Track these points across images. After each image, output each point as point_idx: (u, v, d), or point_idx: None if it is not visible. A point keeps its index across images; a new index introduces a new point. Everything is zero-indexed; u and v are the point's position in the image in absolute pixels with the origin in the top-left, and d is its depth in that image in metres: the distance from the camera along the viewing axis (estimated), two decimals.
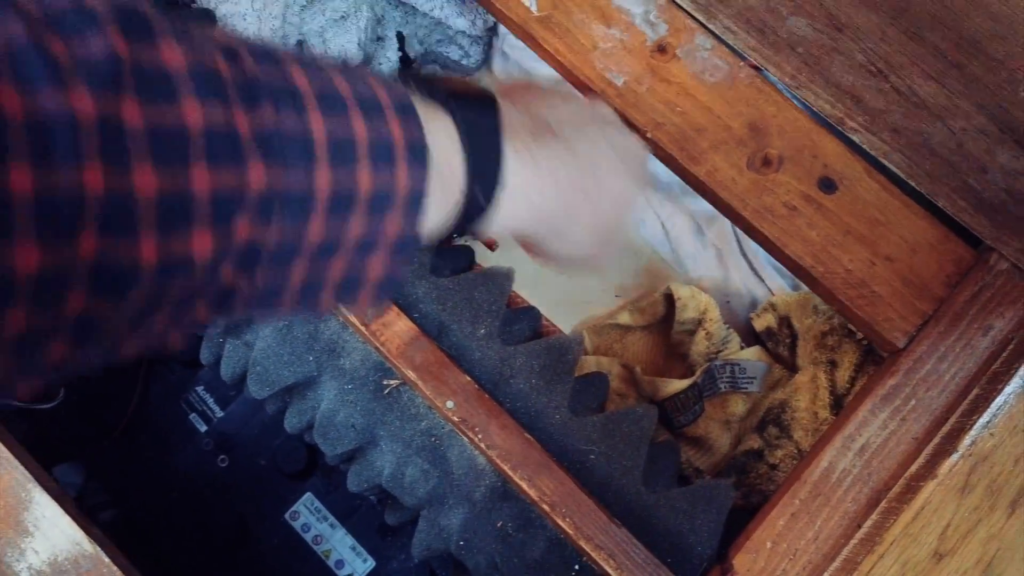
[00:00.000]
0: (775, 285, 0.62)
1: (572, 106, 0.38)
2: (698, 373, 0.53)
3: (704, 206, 0.64)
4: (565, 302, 0.66)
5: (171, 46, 0.23)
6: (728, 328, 0.59)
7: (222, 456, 0.85)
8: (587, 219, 0.37)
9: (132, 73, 0.22)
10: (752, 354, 0.58)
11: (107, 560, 0.41)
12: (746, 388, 0.53)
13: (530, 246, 0.39)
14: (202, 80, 0.23)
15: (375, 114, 0.27)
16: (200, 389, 0.87)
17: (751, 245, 0.63)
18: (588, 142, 0.36)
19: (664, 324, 0.63)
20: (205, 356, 0.56)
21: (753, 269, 0.63)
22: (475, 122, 0.31)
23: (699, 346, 0.58)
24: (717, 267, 0.64)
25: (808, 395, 0.53)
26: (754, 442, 0.53)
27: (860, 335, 0.57)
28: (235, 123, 0.24)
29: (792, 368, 0.58)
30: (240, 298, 0.26)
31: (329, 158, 0.26)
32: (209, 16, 0.55)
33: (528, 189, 0.33)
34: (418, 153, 0.28)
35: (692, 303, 0.59)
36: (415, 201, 0.28)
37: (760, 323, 0.60)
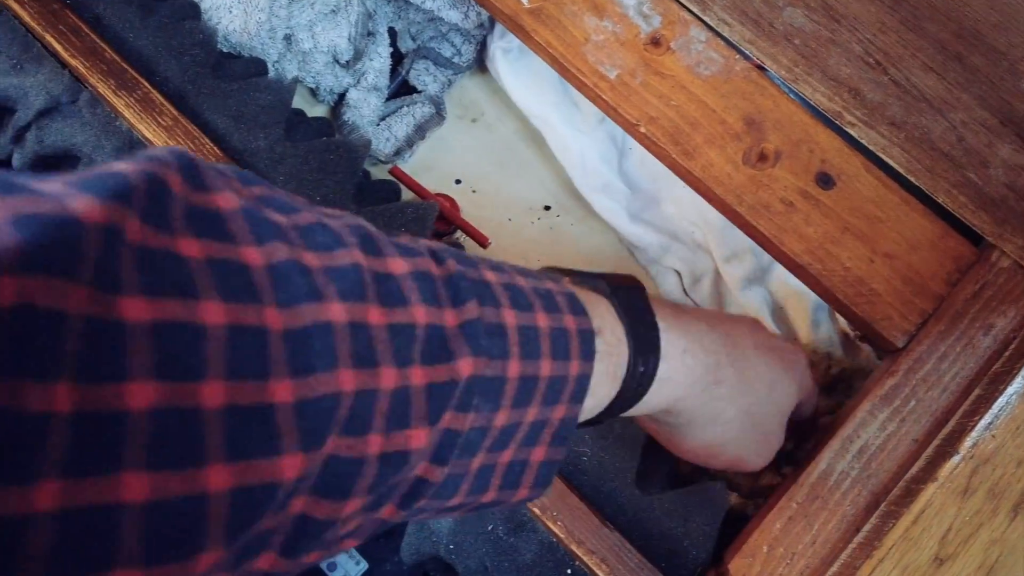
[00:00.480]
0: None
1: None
2: None
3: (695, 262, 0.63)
4: None
5: (395, 256, 0.26)
6: None
7: None
8: (738, 402, 0.37)
9: (373, 281, 0.24)
10: None
11: None
12: None
13: (673, 431, 0.39)
14: (422, 283, 0.26)
15: (553, 307, 0.30)
16: None
17: (744, 301, 0.61)
18: (735, 326, 0.38)
19: None
20: None
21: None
22: (631, 301, 0.33)
23: None
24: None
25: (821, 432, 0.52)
26: (772, 478, 0.52)
27: (864, 363, 0.56)
28: (445, 320, 0.26)
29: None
30: (424, 493, 0.27)
31: (519, 349, 0.28)
32: (193, 9, 0.54)
33: (684, 356, 0.34)
34: (587, 341, 0.30)
35: None
36: (581, 387, 0.30)
37: None
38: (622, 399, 0.33)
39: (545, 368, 0.28)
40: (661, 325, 0.33)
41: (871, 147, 0.48)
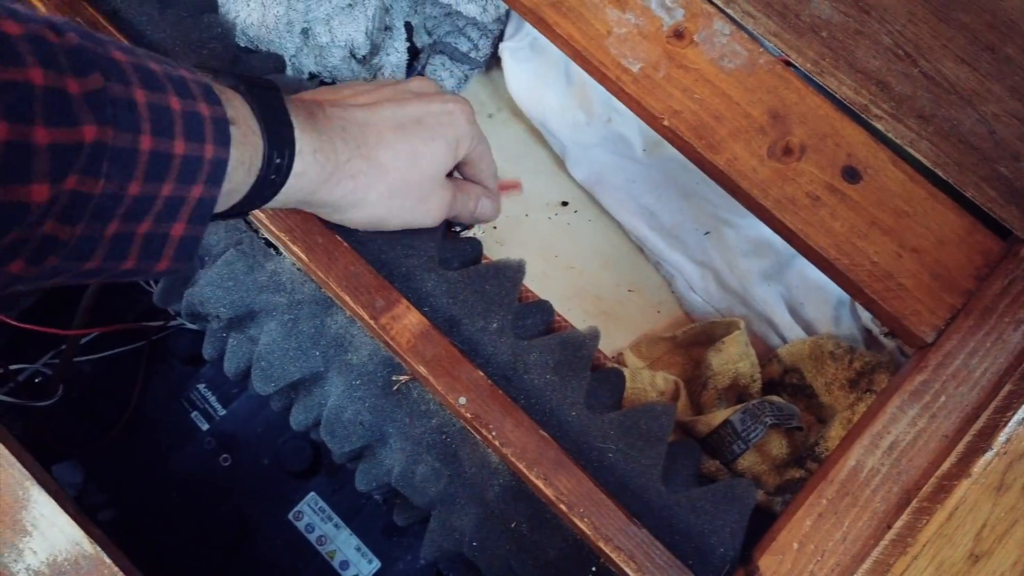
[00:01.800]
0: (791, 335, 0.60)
1: (359, 87, 0.44)
2: (731, 411, 0.52)
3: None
4: (575, 295, 0.64)
5: (8, 19, 0.27)
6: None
7: (224, 455, 0.83)
8: (378, 187, 0.42)
9: None
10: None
11: (108, 561, 0.39)
12: (790, 423, 0.52)
13: (329, 214, 0.44)
14: (38, 47, 0.27)
15: (186, 92, 0.32)
16: (202, 387, 0.86)
17: (760, 297, 0.61)
18: (366, 108, 0.42)
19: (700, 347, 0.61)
20: (208, 352, 0.54)
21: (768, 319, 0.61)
22: (265, 100, 0.36)
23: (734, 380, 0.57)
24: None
25: (842, 427, 0.51)
26: (796, 472, 0.51)
27: (887, 358, 0.55)
28: (68, 87, 0.27)
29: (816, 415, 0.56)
30: (56, 251, 0.29)
31: (151, 125, 0.30)
32: (211, 3, 0.54)
33: (315, 155, 0.38)
34: (222, 127, 0.33)
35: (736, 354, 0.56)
36: (218, 169, 0.33)
37: (764, 374, 0.58)
38: (259, 190, 0.36)
39: (179, 147, 0.31)
40: (296, 124, 0.37)
41: (898, 141, 0.48)
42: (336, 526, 0.79)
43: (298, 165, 0.37)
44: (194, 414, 0.85)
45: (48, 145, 0.26)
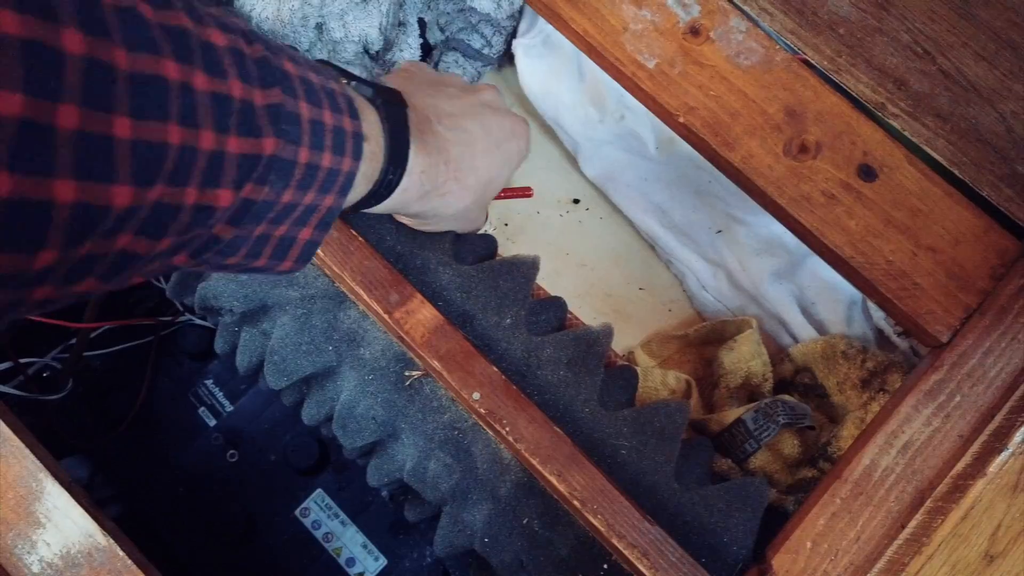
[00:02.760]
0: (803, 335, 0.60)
1: (455, 97, 0.46)
2: (743, 410, 0.51)
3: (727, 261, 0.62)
4: (586, 293, 0.64)
5: (215, 28, 0.28)
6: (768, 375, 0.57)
7: (231, 451, 0.83)
8: (457, 206, 0.44)
9: (199, 48, 0.27)
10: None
11: (121, 554, 0.39)
12: (802, 422, 0.51)
13: (408, 220, 0.47)
14: (238, 59, 0.28)
15: (335, 106, 0.34)
16: (209, 382, 0.86)
17: (772, 296, 0.61)
18: (464, 130, 0.44)
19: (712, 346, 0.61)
20: (220, 346, 0.54)
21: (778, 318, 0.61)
22: (394, 118, 0.38)
23: (746, 379, 0.56)
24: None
25: (855, 427, 0.51)
26: (808, 472, 0.51)
27: (899, 358, 0.55)
28: (255, 99, 0.29)
29: (827, 414, 0.56)
30: (214, 248, 0.31)
31: (309, 138, 0.31)
32: None
33: (421, 176, 0.40)
34: (359, 143, 0.35)
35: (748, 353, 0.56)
36: (349, 181, 0.35)
37: (776, 374, 0.58)
38: (367, 200, 0.38)
39: (326, 160, 0.33)
40: (411, 143, 0.39)
41: (915, 139, 0.47)
42: (343, 523, 0.79)
43: (405, 182, 0.39)
44: (201, 410, 0.85)
45: (238, 154, 0.28)
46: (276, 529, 0.79)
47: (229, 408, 0.85)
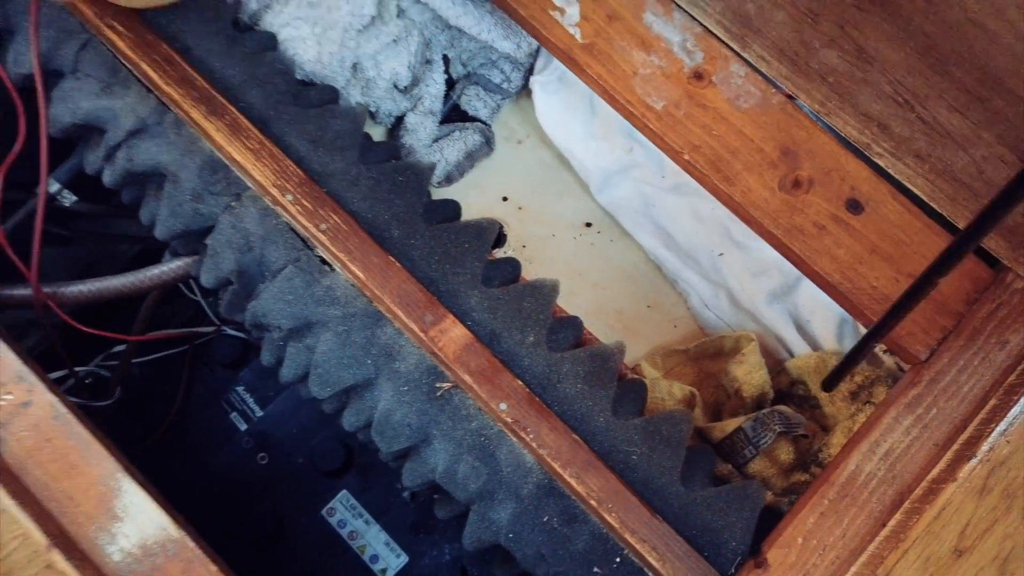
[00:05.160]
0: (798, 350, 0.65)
1: None
2: (743, 419, 0.57)
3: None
4: (599, 310, 0.69)
5: None
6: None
7: (262, 454, 0.88)
8: None
9: None
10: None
11: (192, 545, 0.44)
12: (796, 431, 0.57)
13: None
14: None
15: None
16: (240, 389, 0.91)
17: (769, 314, 0.66)
18: None
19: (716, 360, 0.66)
20: (266, 358, 0.59)
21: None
22: None
23: (745, 389, 0.62)
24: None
25: (844, 435, 0.56)
26: (801, 476, 0.56)
27: (885, 373, 0.60)
28: None
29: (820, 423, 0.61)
30: None
31: None
32: (272, 40, 0.59)
33: None
34: None
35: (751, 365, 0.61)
36: None
37: (774, 385, 0.63)
38: None
39: None
40: None
41: (898, 176, 0.53)
42: (367, 522, 0.84)
43: None
44: (233, 415, 0.90)
45: None
46: (304, 528, 0.84)
47: (259, 413, 0.90)
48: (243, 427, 0.89)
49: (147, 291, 0.64)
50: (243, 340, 0.90)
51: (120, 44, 0.55)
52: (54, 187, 0.68)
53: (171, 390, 0.90)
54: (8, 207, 0.68)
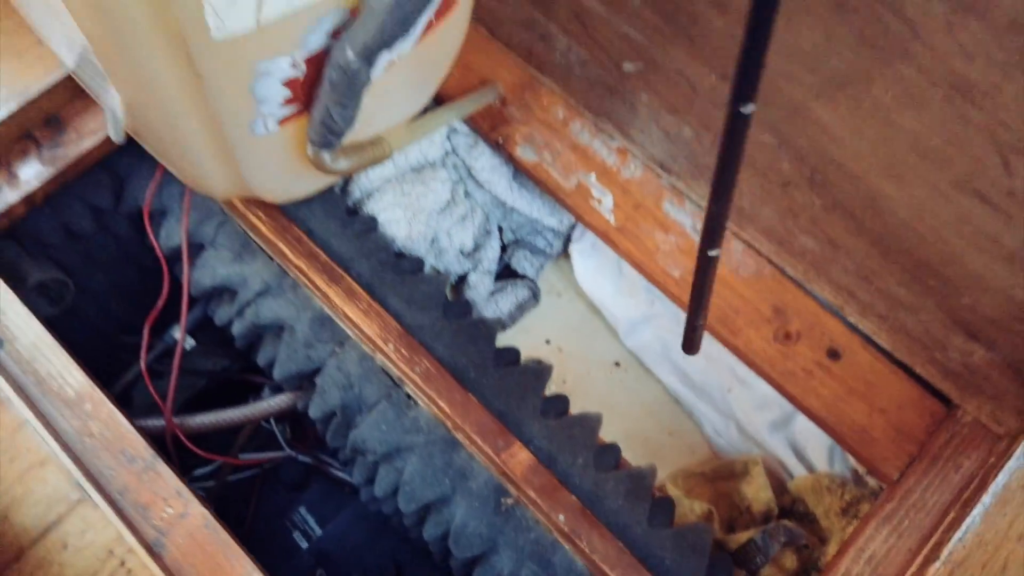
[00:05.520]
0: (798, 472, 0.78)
1: None
2: (754, 532, 0.69)
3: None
4: (628, 437, 0.82)
5: None
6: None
7: (320, 571, 0.98)
8: None
9: None
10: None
11: None
12: (799, 542, 0.68)
13: None
14: None
15: None
16: (303, 510, 1.02)
17: (771, 442, 0.80)
18: None
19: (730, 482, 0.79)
20: (357, 479, 0.72)
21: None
22: None
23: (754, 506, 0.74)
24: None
25: (837, 545, 0.68)
26: None
27: (868, 492, 0.73)
28: None
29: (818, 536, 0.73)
30: None
31: None
32: (374, 222, 0.76)
33: None
34: None
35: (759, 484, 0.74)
36: None
37: (778, 503, 0.75)
38: None
39: None
40: None
41: (866, 332, 0.67)
42: None
43: None
44: (296, 534, 1.00)
45: None
46: None
47: (319, 532, 1.01)
48: (304, 545, 0.99)
49: (257, 421, 0.77)
50: (307, 465, 1.02)
51: (262, 227, 0.71)
52: (176, 333, 0.83)
53: (241, 509, 1.01)
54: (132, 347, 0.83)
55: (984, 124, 0.48)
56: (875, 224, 0.60)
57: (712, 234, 0.46)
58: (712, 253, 0.47)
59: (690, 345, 0.57)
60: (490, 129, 0.77)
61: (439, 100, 0.76)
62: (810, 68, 0.53)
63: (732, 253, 0.72)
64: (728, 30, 0.57)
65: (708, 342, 0.83)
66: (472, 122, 0.79)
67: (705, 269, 0.48)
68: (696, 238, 0.73)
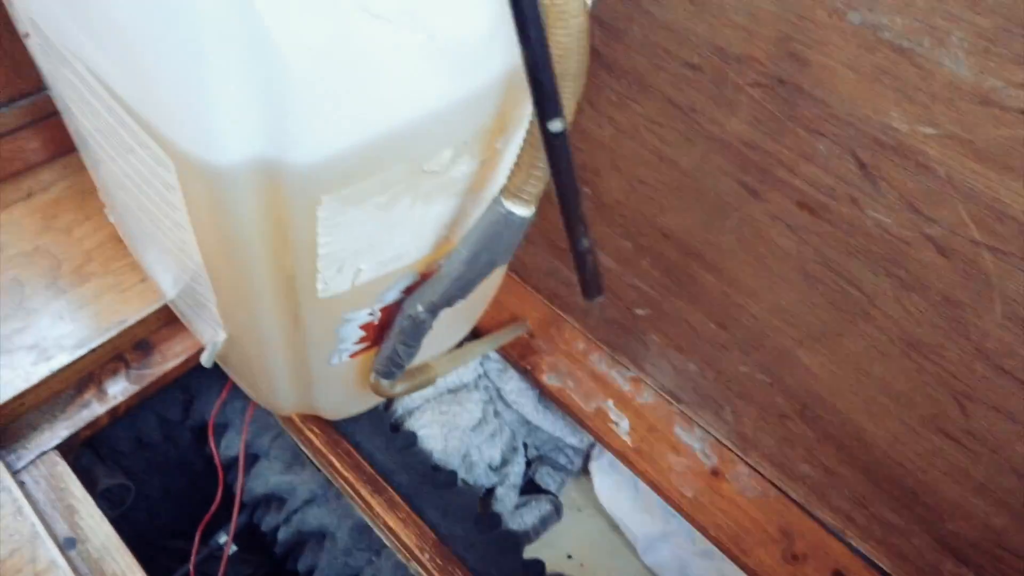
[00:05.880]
0: None
1: None
2: None
3: None
4: None
5: None
6: None
7: None
8: None
9: None
10: None
11: None
12: None
13: None
14: None
15: None
16: None
17: None
18: None
19: None
20: None
21: None
22: None
23: None
24: None
25: None
26: None
27: None
28: None
29: None
30: None
31: None
32: (414, 437, 0.84)
33: None
34: None
35: None
36: None
37: None
38: None
39: None
40: None
41: (868, 555, 0.73)
42: None
43: None
44: None
45: None
46: None
47: None
48: None
49: None
50: None
51: (315, 440, 0.79)
52: (221, 539, 0.89)
53: None
54: (171, 550, 0.88)
55: (938, 375, 0.58)
56: (862, 455, 0.68)
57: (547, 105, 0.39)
58: (553, 127, 0.40)
59: (594, 289, 0.50)
60: (519, 357, 0.88)
61: (476, 332, 0.88)
62: (791, 322, 0.65)
63: (739, 476, 0.79)
64: (720, 287, 0.69)
65: (722, 560, 0.87)
66: (503, 351, 0.90)
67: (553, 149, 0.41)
68: (705, 462, 0.81)
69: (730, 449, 0.81)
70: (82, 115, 0.54)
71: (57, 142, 0.97)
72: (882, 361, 0.61)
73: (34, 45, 0.56)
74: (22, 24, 0.55)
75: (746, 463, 0.80)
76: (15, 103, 0.91)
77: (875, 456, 0.67)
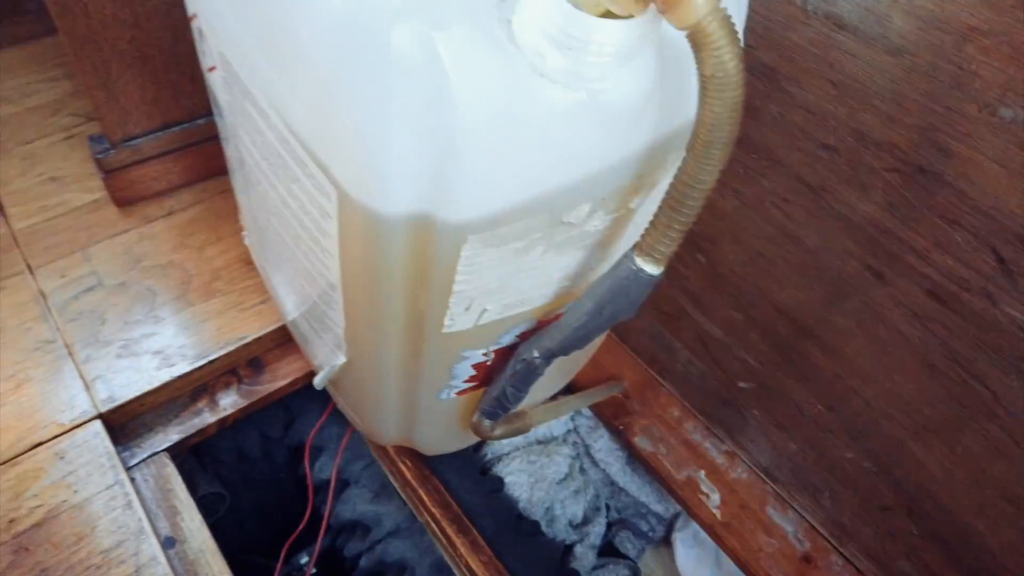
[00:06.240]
0: None
1: None
2: None
3: None
4: None
5: None
6: None
7: None
8: None
9: None
10: None
11: None
12: None
13: None
14: None
15: None
16: None
17: None
18: None
19: None
20: None
21: None
22: None
23: None
24: None
25: None
26: None
27: None
28: None
29: None
30: None
31: None
32: (501, 482, 0.85)
33: None
34: None
35: None
36: None
37: None
38: None
39: None
40: None
41: None
42: None
43: None
44: None
45: None
46: None
47: None
48: None
49: None
50: None
51: (406, 473, 0.81)
52: (303, 559, 0.91)
53: None
54: (250, 566, 0.90)
55: None
56: (971, 559, 0.65)
57: None
58: None
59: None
60: (612, 417, 0.89)
61: (570, 387, 0.89)
62: (907, 412, 0.63)
63: (832, 565, 0.77)
64: (832, 369, 0.68)
65: None
66: (596, 408, 0.91)
67: None
68: (798, 546, 0.78)
69: (824, 537, 0.78)
70: (252, 143, 0.59)
71: (198, 168, 1.05)
72: (1003, 462, 0.58)
73: (217, 77, 0.62)
74: (210, 58, 0.61)
75: (840, 553, 0.77)
76: (169, 129, 1.00)
77: (984, 562, 0.64)
